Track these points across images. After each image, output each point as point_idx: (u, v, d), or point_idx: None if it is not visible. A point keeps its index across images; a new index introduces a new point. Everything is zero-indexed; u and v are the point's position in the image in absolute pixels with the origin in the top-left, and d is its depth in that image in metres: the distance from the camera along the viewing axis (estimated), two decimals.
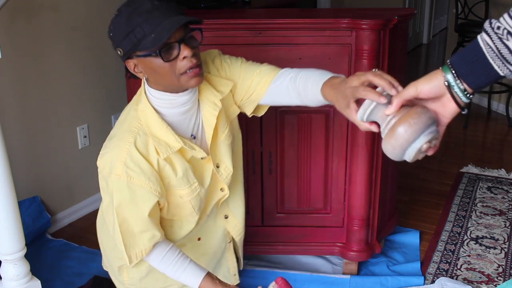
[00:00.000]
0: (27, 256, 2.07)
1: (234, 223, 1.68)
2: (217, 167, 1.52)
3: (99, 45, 2.94)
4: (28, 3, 2.53)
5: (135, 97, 1.49)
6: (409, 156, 1.06)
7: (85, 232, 2.81)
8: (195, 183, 1.45)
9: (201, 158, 1.47)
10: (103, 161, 1.40)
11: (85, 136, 2.93)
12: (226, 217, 1.66)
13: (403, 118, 1.03)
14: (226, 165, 1.54)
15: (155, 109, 1.41)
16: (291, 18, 2.20)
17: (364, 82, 1.11)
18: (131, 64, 1.36)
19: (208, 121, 1.46)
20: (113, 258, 1.67)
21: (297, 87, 1.45)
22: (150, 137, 1.38)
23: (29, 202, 2.64)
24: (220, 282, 1.42)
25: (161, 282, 1.60)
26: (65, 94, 2.80)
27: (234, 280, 1.77)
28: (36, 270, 2.22)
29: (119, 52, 1.35)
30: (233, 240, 1.76)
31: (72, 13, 2.76)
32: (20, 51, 2.53)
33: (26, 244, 2.06)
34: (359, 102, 1.15)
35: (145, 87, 1.44)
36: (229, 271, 1.76)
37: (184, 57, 1.31)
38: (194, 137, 1.48)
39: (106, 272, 2.39)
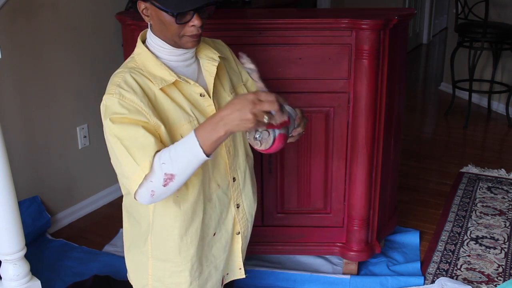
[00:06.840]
0: (27, 256, 2.07)
1: (242, 214, 1.67)
2: None
3: (99, 45, 2.94)
4: (28, 3, 2.53)
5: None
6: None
7: (85, 232, 2.81)
8: (195, 120, 1.46)
9: (200, 95, 1.50)
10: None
11: (85, 136, 2.93)
12: (237, 206, 1.65)
13: None
14: None
15: (153, 54, 1.47)
16: (291, 18, 2.20)
17: None
18: (142, 5, 1.42)
19: (208, 72, 1.53)
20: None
21: None
22: (146, 73, 1.45)
23: (29, 202, 2.64)
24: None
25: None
26: (65, 94, 2.80)
27: (239, 274, 1.76)
28: (36, 270, 2.22)
29: None
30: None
31: (72, 13, 2.77)
32: (20, 51, 2.53)
33: (26, 244, 2.06)
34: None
35: (147, 34, 1.50)
36: (235, 264, 1.74)
37: (193, 25, 1.39)
38: None
39: (107, 272, 2.40)
